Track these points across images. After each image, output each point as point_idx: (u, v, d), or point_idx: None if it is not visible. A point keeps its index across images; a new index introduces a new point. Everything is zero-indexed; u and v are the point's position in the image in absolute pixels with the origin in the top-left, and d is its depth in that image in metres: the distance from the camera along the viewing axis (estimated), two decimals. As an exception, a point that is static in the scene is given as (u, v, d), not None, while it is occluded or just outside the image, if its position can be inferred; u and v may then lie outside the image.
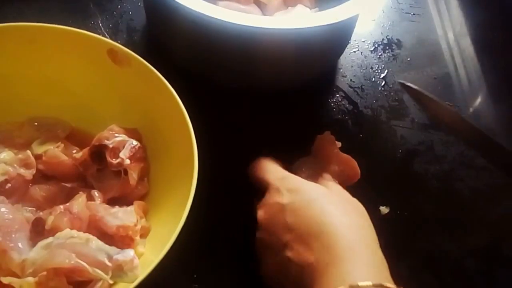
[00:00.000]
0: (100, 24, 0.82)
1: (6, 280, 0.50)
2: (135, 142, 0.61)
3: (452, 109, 0.72)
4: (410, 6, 0.96)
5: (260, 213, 0.59)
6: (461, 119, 0.71)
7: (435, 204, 0.73)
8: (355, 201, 0.59)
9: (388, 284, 0.49)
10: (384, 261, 0.53)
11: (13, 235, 0.54)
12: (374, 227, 0.57)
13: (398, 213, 0.71)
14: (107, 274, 0.52)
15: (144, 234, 0.58)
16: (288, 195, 0.57)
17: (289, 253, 0.54)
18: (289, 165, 0.66)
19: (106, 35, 0.80)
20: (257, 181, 0.63)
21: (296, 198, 0.57)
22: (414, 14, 0.95)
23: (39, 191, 0.60)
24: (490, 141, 0.68)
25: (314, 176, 0.64)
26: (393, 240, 0.69)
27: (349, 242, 0.52)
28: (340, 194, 0.60)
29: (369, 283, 0.48)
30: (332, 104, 0.81)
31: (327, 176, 0.63)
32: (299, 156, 0.68)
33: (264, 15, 0.79)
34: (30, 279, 0.50)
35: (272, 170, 0.62)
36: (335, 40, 0.78)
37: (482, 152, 0.72)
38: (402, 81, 0.76)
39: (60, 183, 0.62)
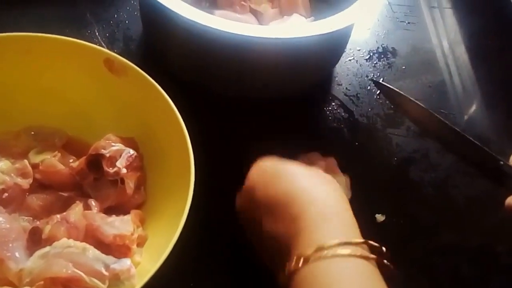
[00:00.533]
0: (97, 33, 0.82)
1: (3, 290, 0.50)
2: (131, 151, 0.61)
3: (424, 108, 0.71)
4: (405, 15, 0.97)
5: (237, 201, 0.60)
6: (434, 118, 0.70)
7: (430, 211, 0.73)
8: (330, 177, 0.58)
9: (355, 240, 0.49)
10: (354, 219, 0.52)
11: (10, 245, 0.54)
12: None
13: (394, 220, 0.71)
14: (104, 283, 0.52)
15: (141, 243, 0.58)
16: (256, 175, 0.57)
17: (263, 228, 0.54)
18: None
19: (103, 44, 0.81)
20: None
21: (264, 175, 0.57)
22: (408, 22, 0.96)
23: (36, 201, 0.60)
24: (466, 140, 0.68)
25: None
26: (389, 247, 0.69)
27: (318, 207, 0.51)
28: (313, 169, 0.58)
29: (336, 241, 0.48)
30: (327, 113, 0.81)
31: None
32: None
33: (260, 24, 0.79)
34: (27, 288, 0.50)
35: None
36: (330, 49, 0.79)
37: (455, 151, 0.72)
38: (375, 79, 0.76)
39: (57, 192, 0.61)
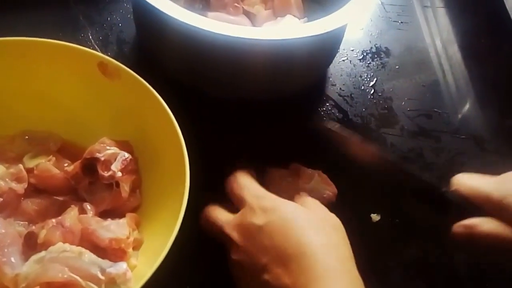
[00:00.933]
0: (90, 37, 0.82)
1: (-1, 295, 0.50)
2: (126, 155, 0.61)
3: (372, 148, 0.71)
4: (398, 15, 0.97)
5: (235, 234, 0.57)
6: (381, 157, 0.70)
7: (426, 210, 0.73)
8: (332, 217, 0.59)
9: None
10: (360, 279, 0.53)
11: (6, 250, 0.54)
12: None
13: (390, 220, 0.72)
14: (100, 287, 0.52)
15: (136, 246, 0.58)
16: (264, 215, 0.56)
17: (266, 276, 0.53)
18: (264, 175, 0.66)
19: (96, 48, 0.80)
20: (233, 197, 0.61)
21: (272, 218, 0.55)
22: (401, 22, 0.96)
23: (31, 205, 0.60)
24: (406, 170, 0.68)
25: (289, 190, 0.64)
26: (385, 247, 0.69)
27: (326, 263, 0.52)
28: (317, 212, 0.59)
29: None
30: (322, 113, 0.81)
31: (303, 193, 0.63)
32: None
33: (254, 25, 0.79)
34: (23, 293, 0.50)
35: (248, 187, 0.61)
36: (324, 50, 0.79)
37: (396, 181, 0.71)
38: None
39: (52, 197, 0.61)
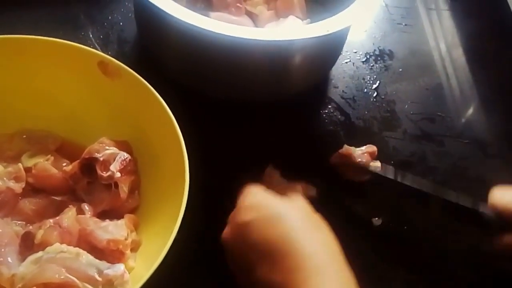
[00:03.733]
0: (91, 35, 0.81)
1: (-6, 295, 0.50)
2: (125, 155, 0.60)
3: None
4: (402, 17, 0.96)
5: (225, 233, 0.57)
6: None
7: (428, 215, 0.73)
8: (317, 217, 0.57)
9: None
10: (350, 276, 0.52)
11: (3, 250, 0.54)
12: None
13: (391, 225, 0.71)
14: (97, 289, 0.51)
15: (134, 248, 0.58)
16: (249, 213, 0.56)
17: (257, 273, 0.53)
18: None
19: (97, 46, 0.80)
20: None
21: (258, 215, 0.55)
22: (406, 24, 0.96)
23: (28, 205, 0.60)
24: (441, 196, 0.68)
25: (283, 187, 0.64)
26: (387, 252, 0.69)
27: (316, 261, 0.51)
28: (302, 209, 0.57)
29: None
30: (324, 115, 0.81)
31: (297, 188, 0.63)
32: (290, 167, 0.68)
33: (256, 26, 0.79)
34: (20, 294, 0.50)
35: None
36: (326, 52, 0.78)
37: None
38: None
39: (49, 197, 0.61)
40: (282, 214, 0.55)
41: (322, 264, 0.51)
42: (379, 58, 0.89)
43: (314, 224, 0.56)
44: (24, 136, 0.65)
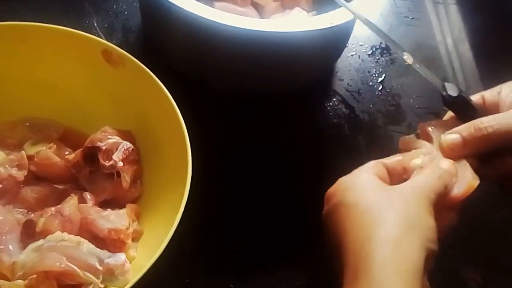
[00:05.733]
0: (95, 24, 0.81)
1: (-5, 282, 0.50)
2: (128, 144, 0.60)
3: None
4: (409, 10, 0.96)
5: (326, 204, 0.51)
6: None
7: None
8: (416, 216, 0.47)
9: None
10: None
11: (4, 237, 0.54)
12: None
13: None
14: (98, 278, 0.51)
15: (136, 237, 0.58)
16: (335, 195, 0.50)
17: (333, 252, 0.48)
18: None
19: (101, 35, 0.80)
20: None
21: (339, 199, 0.49)
22: (412, 18, 0.95)
23: (30, 193, 0.60)
24: None
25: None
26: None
27: (381, 272, 0.44)
28: (399, 211, 0.48)
29: None
30: (328, 108, 0.80)
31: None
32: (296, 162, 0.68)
33: (261, 17, 0.79)
34: (20, 282, 0.50)
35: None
36: (332, 44, 0.78)
37: None
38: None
39: (51, 185, 0.61)
40: (371, 210, 0.47)
41: (388, 276, 0.43)
42: (385, 51, 0.89)
43: (411, 232, 0.46)
44: (27, 124, 0.65)
